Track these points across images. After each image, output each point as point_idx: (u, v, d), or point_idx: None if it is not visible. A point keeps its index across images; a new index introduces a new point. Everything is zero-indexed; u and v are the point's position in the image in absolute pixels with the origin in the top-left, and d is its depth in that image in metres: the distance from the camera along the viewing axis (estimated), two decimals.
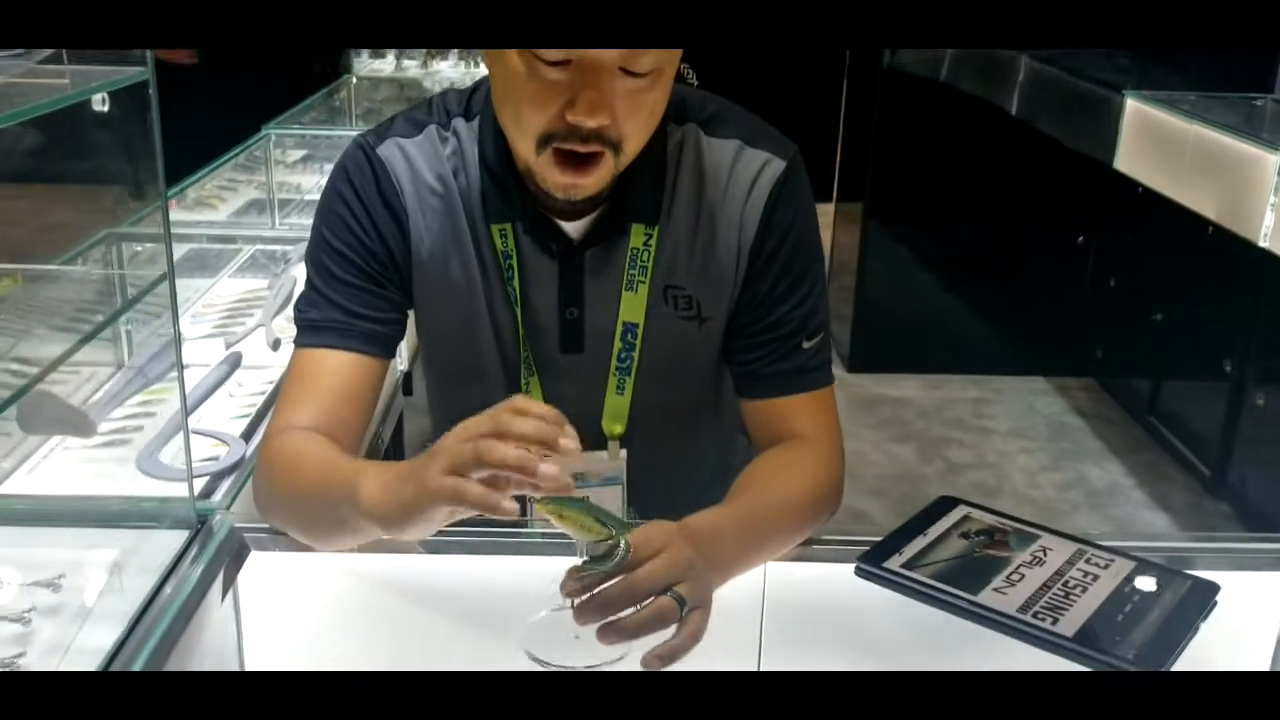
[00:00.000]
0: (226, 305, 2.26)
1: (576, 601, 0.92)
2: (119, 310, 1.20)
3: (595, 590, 0.92)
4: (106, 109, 1.01)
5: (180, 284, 2.42)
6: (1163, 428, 3.83)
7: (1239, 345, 3.36)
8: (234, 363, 1.63)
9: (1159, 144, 3.56)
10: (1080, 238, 4.33)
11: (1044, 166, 4.22)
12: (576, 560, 0.94)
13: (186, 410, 1.18)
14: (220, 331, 2.04)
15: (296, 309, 1.22)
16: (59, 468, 1.47)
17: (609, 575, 0.92)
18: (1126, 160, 3.72)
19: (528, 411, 0.89)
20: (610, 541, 0.93)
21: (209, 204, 2.91)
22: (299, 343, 1.21)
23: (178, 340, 1.15)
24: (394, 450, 2.45)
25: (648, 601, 0.93)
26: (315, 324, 1.19)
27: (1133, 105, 3.67)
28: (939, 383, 4.33)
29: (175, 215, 2.75)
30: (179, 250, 2.55)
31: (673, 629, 0.93)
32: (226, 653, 1.16)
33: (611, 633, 0.92)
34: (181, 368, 1.18)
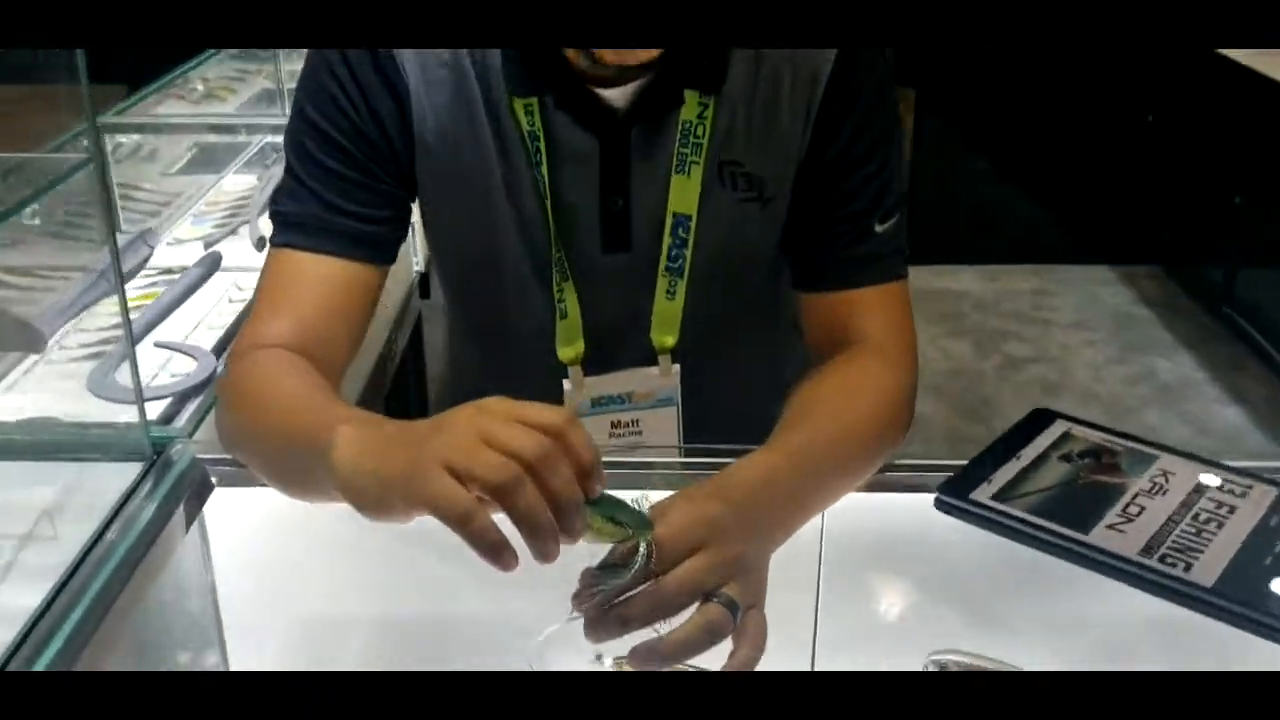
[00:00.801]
0: (230, 203, 2.07)
1: (589, 615, 0.73)
2: (24, 201, 1.00)
3: (613, 602, 0.73)
4: None
5: (183, 181, 2.25)
6: (1238, 317, 3.65)
7: None
8: (211, 265, 1.43)
9: None
10: (1149, 115, 4.07)
11: None
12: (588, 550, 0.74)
13: (129, 321, 0.99)
14: (219, 231, 1.86)
15: (272, 200, 1.02)
16: (36, 389, 1.30)
17: (630, 586, 0.72)
18: None
19: (572, 446, 0.68)
20: (628, 543, 0.72)
21: (217, 96, 2.72)
22: (275, 241, 1.01)
23: (113, 238, 0.96)
24: (413, 361, 2.27)
25: (689, 613, 0.73)
26: (293, 220, 1.00)
27: None
28: (996, 274, 4.11)
29: (180, 109, 2.57)
30: (183, 144, 2.38)
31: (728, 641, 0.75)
32: (184, 609, 0.98)
33: (652, 656, 0.73)
34: (119, 270, 0.99)
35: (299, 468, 0.82)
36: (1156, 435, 3.44)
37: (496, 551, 0.65)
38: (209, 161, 2.36)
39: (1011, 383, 3.45)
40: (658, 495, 0.79)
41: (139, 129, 2.23)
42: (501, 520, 0.66)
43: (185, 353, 1.23)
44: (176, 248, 1.77)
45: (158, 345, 1.25)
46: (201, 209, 2.06)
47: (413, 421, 0.74)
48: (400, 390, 2.22)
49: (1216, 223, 3.77)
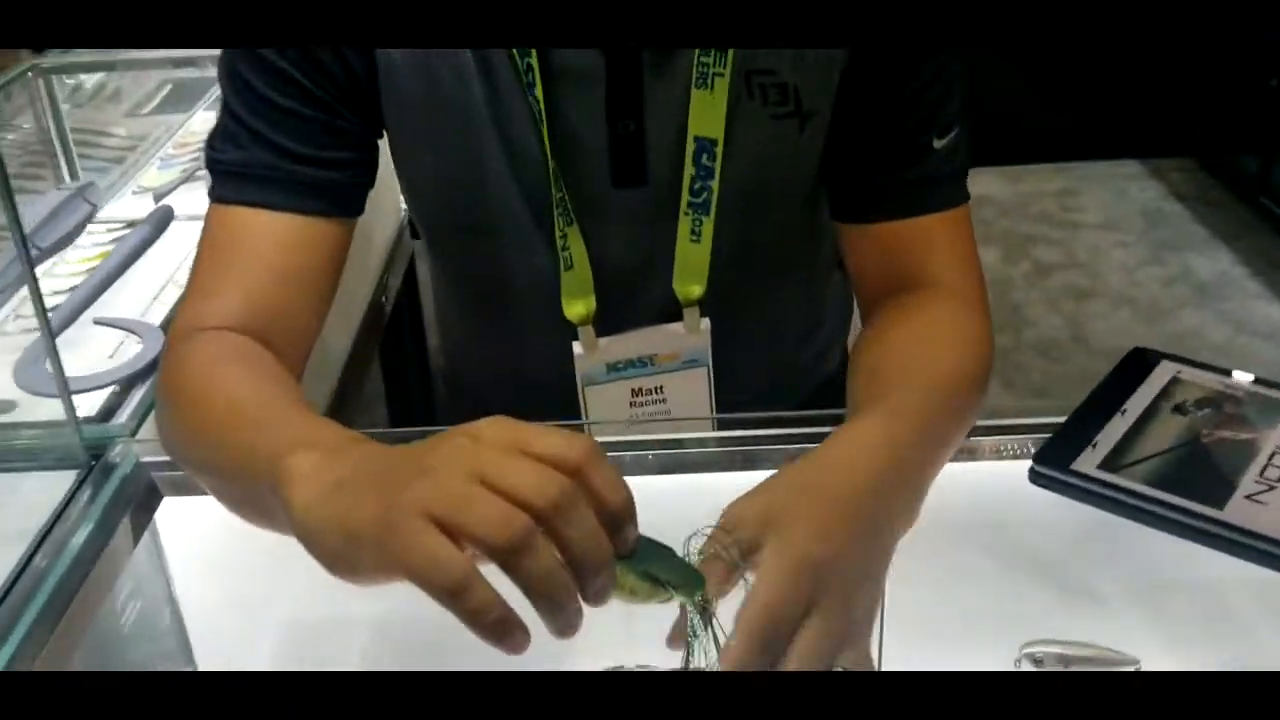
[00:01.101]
0: (198, 144, 1.88)
1: None
2: None
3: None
4: None
5: (152, 122, 2.08)
6: (1276, 208, 3.46)
7: None
8: (160, 222, 1.25)
9: None
10: None
11: None
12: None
13: (40, 299, 0.83)
14: (183, 177, 1.68)
15: (209, 146, 0.85)
16: None
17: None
18: None
19: (595, 485, 0.52)
20: (670, 600, 0.55)
21: None
22: (216, 196, 0.84)
23: (9, 200, 0.78)
24: (408, 308, 2.10)
25: None
26: (236, 169, 0.82)
27: None
28: (1019, 175, 3.90)
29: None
30: (151, 81, 2.20)
31: None
32: (138, 641, 0.83)
33: None
34: (22, 238, 0.82)
35: (249, 498, 0.66)
36: (1195, 337, 3.22)
37: (503, 632, 0.49)
38: (180, 100, 2.17)
39: (1041, 289, 3.28)
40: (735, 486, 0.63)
41: (90, 68, 2.04)
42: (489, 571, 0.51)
43: (127, 329, 1.06)
44: (143, 197, 1.60)
45: (97, 322, 1.08)
46: (169, 152, 1.88)
47: (392, 448, 0.58)
48: (395, 340, 2.06)
49: (1250, 109, 3.56)
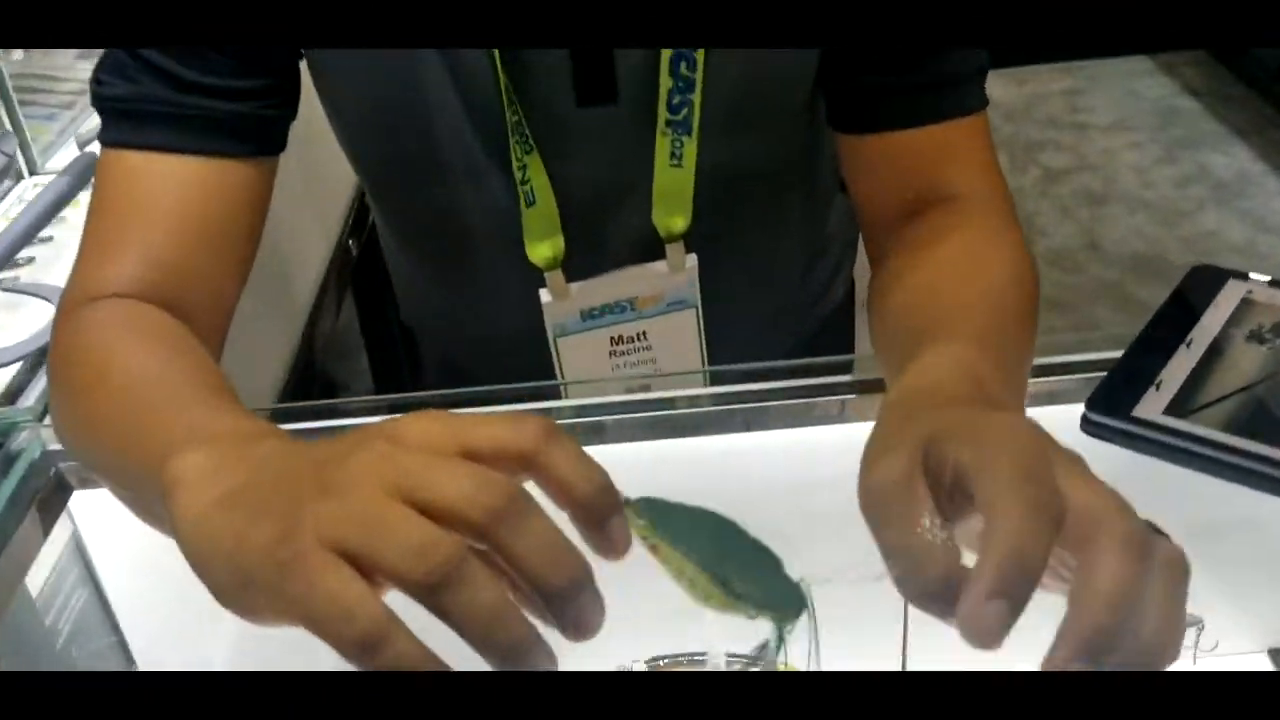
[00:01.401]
0: None
1: None
2: None
3: None
4: None
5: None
6: None
7: None
8: (81, 172, 1.12)
9: None
10: None
11: None
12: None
13: None
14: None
15: (94, 80, 0.72)
16: None
17: None
18: None
19: (558, 481, 0.40)
20: (755, 618, 0.43)
21: None
22: (106, 140, 0.72)
23: None
24: (376, 257, 1.97)
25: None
26: (130, 107, 0.70)
27: None
28: (1024, 76, 3.74)
29: None
30: None
31: None
32: (57, 660, 0.72)
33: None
34: None
35: (144, 504, 0.55)
36: (1215, 239, 3.08)
37: (410, 663, 0.38)
38: None
39: (1052, 197, 3.15)
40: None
41: None
42: None
43: (39, 296, 0.94)
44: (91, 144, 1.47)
45: (4, 290, 0.96)
46: None
47: (302, 447, 0.46)
48: (369, 282, 1.94)
49: None
